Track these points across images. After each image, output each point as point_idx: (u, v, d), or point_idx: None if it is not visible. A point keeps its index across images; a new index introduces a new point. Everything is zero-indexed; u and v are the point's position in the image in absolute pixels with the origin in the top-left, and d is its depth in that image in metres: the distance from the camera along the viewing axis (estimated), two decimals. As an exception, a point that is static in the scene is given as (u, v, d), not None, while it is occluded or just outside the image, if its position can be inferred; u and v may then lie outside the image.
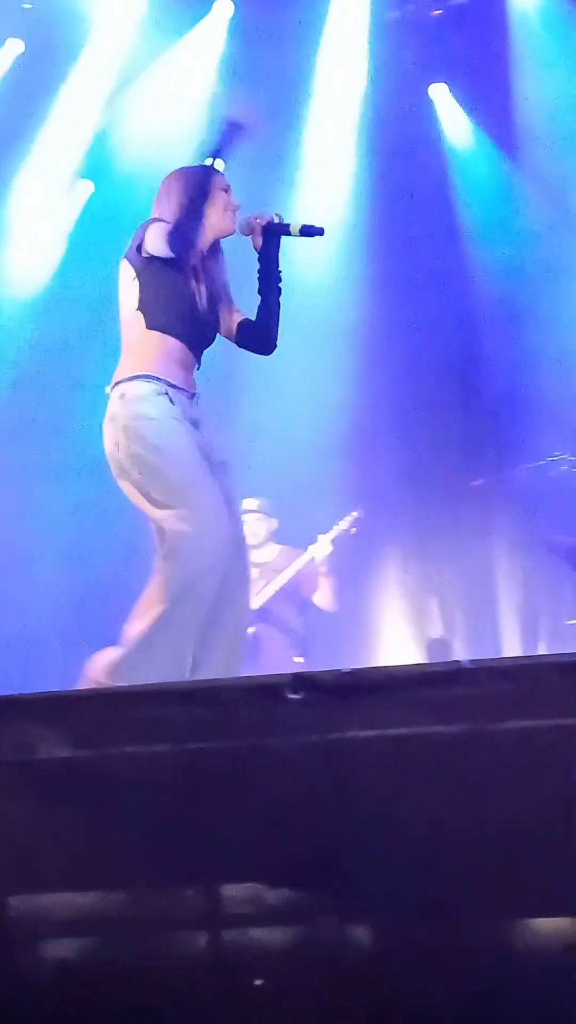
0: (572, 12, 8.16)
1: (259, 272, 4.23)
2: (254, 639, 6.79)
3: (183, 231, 4.03)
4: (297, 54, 8.23)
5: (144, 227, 4.12)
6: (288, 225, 4.20)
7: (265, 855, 2.11)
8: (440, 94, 8.58)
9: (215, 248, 4.27)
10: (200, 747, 2.05)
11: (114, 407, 3.98)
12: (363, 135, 8.43)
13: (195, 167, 4.36)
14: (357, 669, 2.01)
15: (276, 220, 4.21)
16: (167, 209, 4.16)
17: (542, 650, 7.09)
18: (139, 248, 4.08)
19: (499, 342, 8.11)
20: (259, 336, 4.27)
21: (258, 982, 2.04)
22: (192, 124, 8.39)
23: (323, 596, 6.96)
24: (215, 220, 4.18)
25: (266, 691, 2.03)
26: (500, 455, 7.62)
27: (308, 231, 4.22)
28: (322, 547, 6.88)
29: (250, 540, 7.06)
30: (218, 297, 4.22)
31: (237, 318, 4.28)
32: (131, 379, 3.97)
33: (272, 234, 4.22)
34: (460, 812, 2.04)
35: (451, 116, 8.58)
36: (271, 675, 2.03)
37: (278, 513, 7.11)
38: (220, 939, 2.11)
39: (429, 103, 8.57)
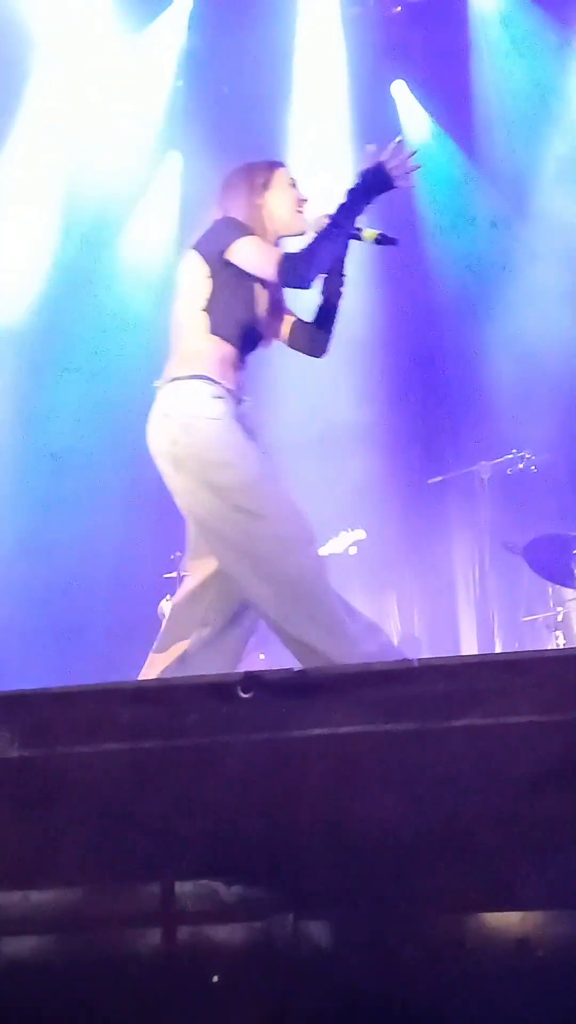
0: (531, 10, 8.20)
1: (325, 274, 4.05)
2: None
3: (307, 269, 3.87)
4: (268, 45, 8.21)
5: (223, 226, 3.97)
6: (360, 230, 3.99)
7: (218, 853, 2.12)
8: (400, 90, 8.62)
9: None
10: (152, 746, 2.05)
11: (168, 403, 3.89)
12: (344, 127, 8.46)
13: (259, 162, 4.23)
14: (307, 668, 2.03)
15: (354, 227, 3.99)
16: (234, 207, 4.02)
17: (499, 647, 7.12)
18: (222, 252, 3.92)
19: (459, 338, 8.16)
20: (314, 339, 4.15)
21: (214, 979, 2.05)
22: (153, 119, 8.42)
23: None
24: (284, 218, 4.04)
25: (217, 690, 2.04)
26: (458, 452, 7.66)
27: (383, 240, 4.01)
28: None
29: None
30: (276, 301, 4.10)
31: (290, 319, 4.16)
32: (189, 378, 3.89)
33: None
34: (410, 809, 2.05)
35: (411, 112, 8.63)
36: (222, 674, 2.04)
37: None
38: (175, 936, 2.12)
39: (390, 99, 8.62)
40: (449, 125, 8.50)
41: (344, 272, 4.07)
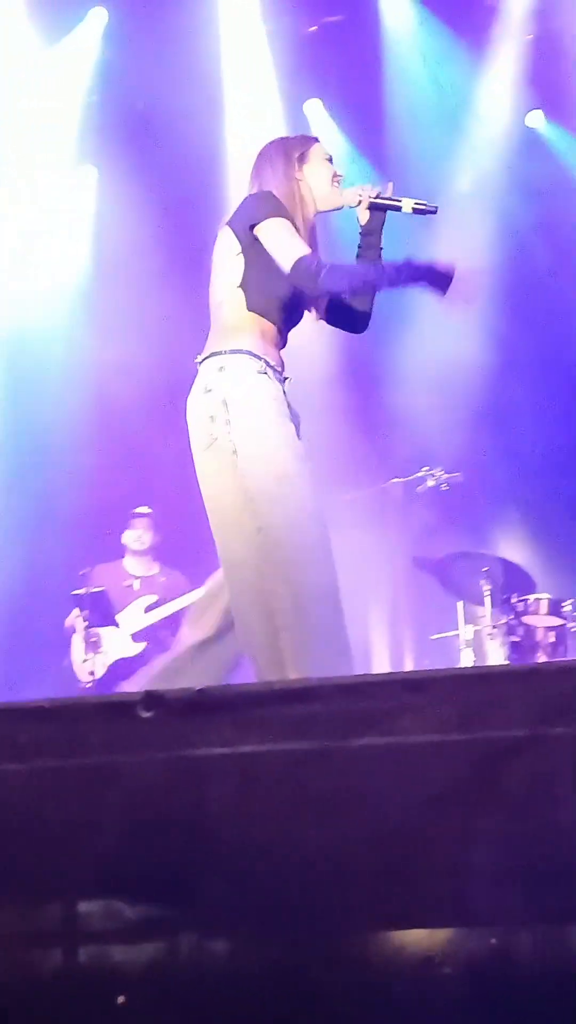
0: (443, 31, 8.29)
1: (359, 247, 4.02)
2: (142, 656, 6.79)
3: (322, 282, 3.79)
4: (189, 61, 8.20)
5: (256, 201, 3.92)
6: (400, 202, 3.95)
7: (121, 872, 2.11)
8: (315, 109, 8.66)
9: (313, 224, 4.06)
10: (51, 766, 2.04)
11: (211, 378, 3.78)
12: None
13: (294, 136, 4.16)
14: (207, 687, 2.02)
15: (387, 194, 3.99)
16: (272, 181, 3.95)
17: (408, 665, 7.15)
18: (252, 227, 3.86)
19: (369, 355, 8.21)
20: (353, 316, 4.08)
21: (120, 999, 2.04)
22: (67, 132, 8.40)
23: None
24: (322, 192, 3.99)
25: (117, 709, 2.02)
26: (370, 469, 7.69)
27: (421, 210, 3.97)
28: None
29: (134, 546, 7.09)
30: None
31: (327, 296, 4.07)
32: (233, 353, 3.80)
33: (379, 209, 3.99)
34: (312, 828, 2.06)
35: (325, 131, 8.67)
36: (122, 693, 2.03)
37: (160, 529, 7.12)
38: (77, 956, 2.10)
39: (304, 118, 8.66)
40: (363, 144, 8.56)
41: (381, 247, 4.02)
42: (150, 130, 8.24)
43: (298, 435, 3.88)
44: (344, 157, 8.60)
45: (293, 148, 4.06)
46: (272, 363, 3.83)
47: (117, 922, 2.09)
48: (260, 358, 3.79)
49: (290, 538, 3.67)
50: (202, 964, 2.07)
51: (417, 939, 2.04)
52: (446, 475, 6.78)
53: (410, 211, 3.99)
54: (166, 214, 8.14)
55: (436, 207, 4.01)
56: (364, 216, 4.02)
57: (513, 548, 7.65)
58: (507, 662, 6.46)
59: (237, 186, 8.39)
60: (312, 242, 4.00)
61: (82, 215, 8.60)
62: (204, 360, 3.84)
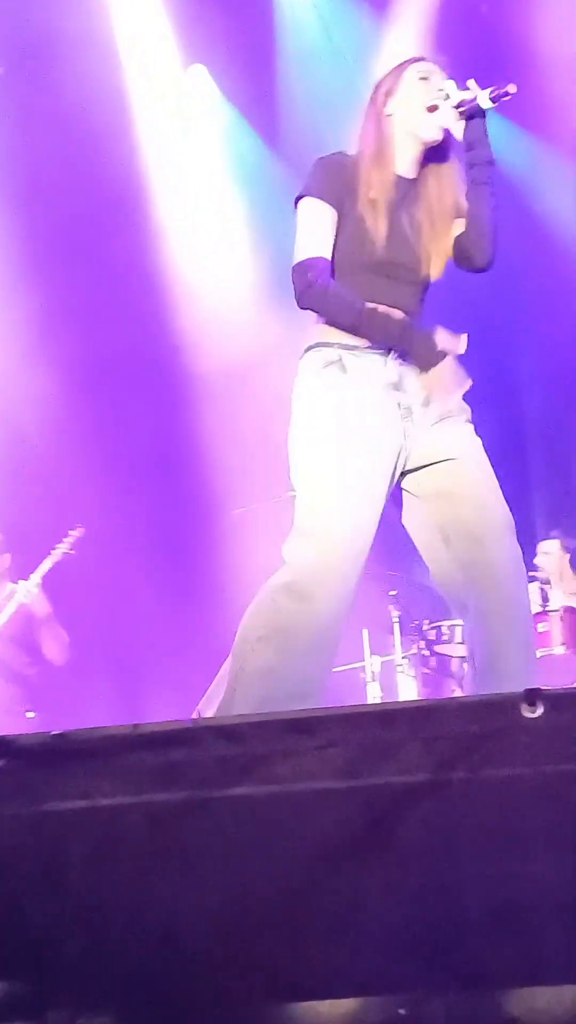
0: (341, 3, 8.37)
1: (467, 165, 3.80)
2: None
3: (303, 296, 3.73)
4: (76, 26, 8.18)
5: (311, 171, 3.86)
6: (475, 100, 3.72)
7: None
8: (198, 74, 8.69)
9: (437, 154, 3.86)
10: None
11: (295, 382, 3.78)
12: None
13: (391, 68, 3.92)
14: (68, 731, 2.00)
15: (468, 99, 3.74)
16: (361, 133, 3.86)
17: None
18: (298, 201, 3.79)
19: (272, 363, 8.26)
20: (470, 250, 3.84)
21: None
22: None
23: (47, 647, 6.84)
24: (414, 125, 3.81)
25: (-39, 759, 2.00)
26: (268, 480, 7.71)
27: (498, 96, 3.72)
28: (28, 590, 6.70)
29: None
30: (434, 221, 3.85)
31: (454, 236, 3.87)
32: (307, 350, 3.76)
33: (472, 116, 3.76)
34: (185, 891, 2.04)
35: (209, 99, 8.71)
36: (-34, 741, 2.01)
37: (10, 548, 7.07)
38: None
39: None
40: (252, 114, 8.60)
41: (490, 159, 3.81)
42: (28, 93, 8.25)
43: (408, 408, 3.78)
44: (231, 127, 8.65)
45: (382, 85, 3.90)
46: (353, 343, 3.73)
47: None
48: (332, 346, 3.72)
49: (314, 542, 3.67)
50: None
51: (318, 1012, 2.03)
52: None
53: (490, 105, 3.76)
54: (41, 196, 8.15)
55: (511, 87, 3.74)
56: (460, 130, 3.82)
57: (424, 569, 7.67)
58: (419, 697, 6.48)
59: (136, 164, 8.49)
60: (423, 185, 3.87)
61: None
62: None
